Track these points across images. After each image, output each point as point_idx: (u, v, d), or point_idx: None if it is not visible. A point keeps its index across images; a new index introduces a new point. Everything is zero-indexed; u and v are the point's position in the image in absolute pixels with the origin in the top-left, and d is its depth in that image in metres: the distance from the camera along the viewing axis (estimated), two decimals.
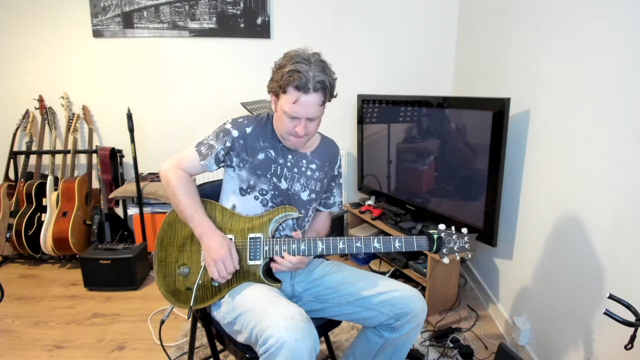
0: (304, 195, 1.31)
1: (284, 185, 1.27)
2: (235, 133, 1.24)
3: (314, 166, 1.32)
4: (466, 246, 1.20)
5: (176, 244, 1.27)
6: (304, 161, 1.31)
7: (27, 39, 2.69)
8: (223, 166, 1.30)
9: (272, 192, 1.26)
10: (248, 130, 1.25)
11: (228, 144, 1.24)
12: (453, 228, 1.21)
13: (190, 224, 1.21)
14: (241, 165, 1.26)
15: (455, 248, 1.19)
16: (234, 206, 1.29)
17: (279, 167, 1.27)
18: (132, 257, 2.31)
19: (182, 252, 1.26)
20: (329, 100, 1.21)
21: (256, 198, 1.26)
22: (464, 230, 1.22)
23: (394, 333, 1.23)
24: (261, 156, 1.25)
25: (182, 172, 1.26)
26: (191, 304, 1.20)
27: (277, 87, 1.16)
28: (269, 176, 1.25)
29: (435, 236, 1.17)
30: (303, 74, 1.11)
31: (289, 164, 1.28)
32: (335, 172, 1.42)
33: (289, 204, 1.28)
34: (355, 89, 2.57)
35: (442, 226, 1.20)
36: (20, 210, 2.57)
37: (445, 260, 1.19)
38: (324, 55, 1.19)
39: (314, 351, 1.01)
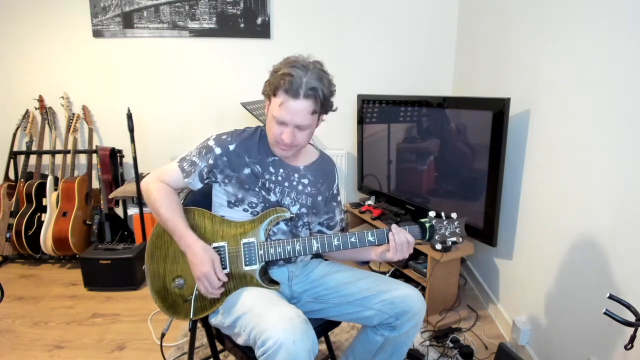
0: (294, 210, 1.28)
1: (273, 198, 1.25)
2: (217, 150, 1.21)
3: (305, 181, 1.30)
4: (457, 230, 1.22)
5: (167, 256, 1.24)
6: (296, 175, 1.29)
7: (27, 39, 2.69)
8: (208, 183, 1.27)
9: (262, 205, 1.24)
10: (231, 147, 1.22)
11: (211, 162, 1.21)
12: (443, 214, 1.22)
13: (174, 238, 1.20)
14: (226, 181, 1.23)
15: (446, 234, 1.20)
16: (222, 217, 1.26)
17: (266, 182, 1.24)
18: (132, 257, 2.31)
19: (174, 264, 1.23)
20: (325, 112, 1.19)
21: (245, 210, 1.24)
22: (454, 215, 1.23)
23: (394, 332, 1.23)
24: (247, 171, 1.22)
25: (163, 185, 1.23)
26: (191, 317, 1.18)
27: (269, 90, 1.14)
28: (257, 190, 1.23)
29: (428, 225, 1.19)
30: (295, 78, 1.08)
31: (279, 177, 1.26)
32: (335, 191, 1.41)
33: None
34: (355, 89, 2.57)
35: (432, 213, 1.21)
36: (20, 210, 2.57)
37: (438, 246, 1.20)
38: (324, 58, 1.17)
39: (312, 352, 1.00)
